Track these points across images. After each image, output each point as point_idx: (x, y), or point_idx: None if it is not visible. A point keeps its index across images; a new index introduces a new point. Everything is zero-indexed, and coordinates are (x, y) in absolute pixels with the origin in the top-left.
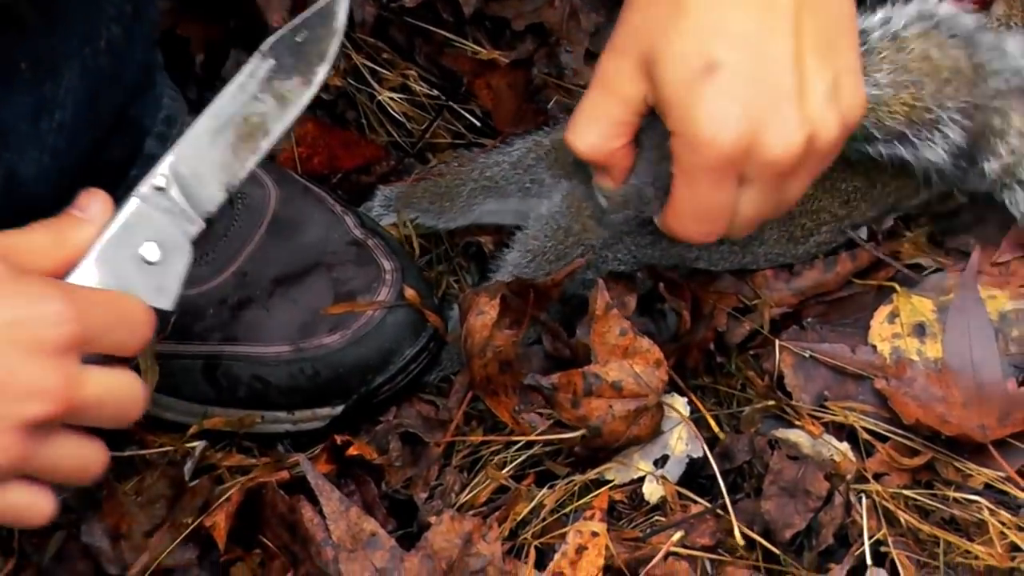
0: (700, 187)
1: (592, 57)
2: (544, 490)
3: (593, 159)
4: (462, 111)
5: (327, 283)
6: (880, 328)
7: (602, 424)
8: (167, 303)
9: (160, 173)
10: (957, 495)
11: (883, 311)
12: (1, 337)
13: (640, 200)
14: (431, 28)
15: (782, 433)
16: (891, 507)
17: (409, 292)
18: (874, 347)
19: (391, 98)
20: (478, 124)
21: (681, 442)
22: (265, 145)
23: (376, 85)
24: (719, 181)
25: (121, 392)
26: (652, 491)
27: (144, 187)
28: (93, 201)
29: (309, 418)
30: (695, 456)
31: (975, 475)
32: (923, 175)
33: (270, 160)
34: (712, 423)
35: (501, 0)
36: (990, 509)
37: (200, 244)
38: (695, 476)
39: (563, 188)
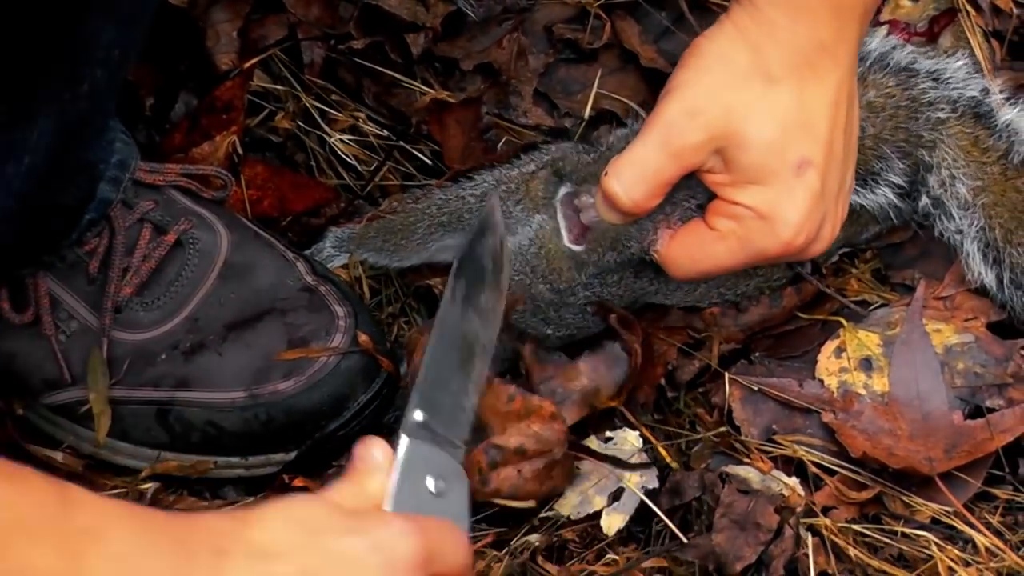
0: (737, 257)
1: (541, 96)
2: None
3: (631, 213)
4: (412, 151)
5: (280, 329)
6: (827, 362)
7: (516, 491)
8: (464, 528)
9: (415, 407)
10: (905, 529)
11: (830, 345)
12: (366, 562)
13: (622, 239)
14: (380, 69)
15: (732, 469)
16: (840, 542)
17: (363, 338)
18: (821, 381)
19: (341, 140)
20: (429, 163)
21: (635, 474)
22: (486, 359)
23: (326, 127)
24: (755, 259)
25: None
26: (610, 523)
27: (407, 425)
28: (373, 449)
29: (263, 463)
30: (650, 487)
31: (922, 509)
32: (881, 214)
33: (219, 205)
34: (663, 452)
35: (450, 40)
36: (938, 544)
37: (151, 289)
38: (647, 512)
39: (534, 223)
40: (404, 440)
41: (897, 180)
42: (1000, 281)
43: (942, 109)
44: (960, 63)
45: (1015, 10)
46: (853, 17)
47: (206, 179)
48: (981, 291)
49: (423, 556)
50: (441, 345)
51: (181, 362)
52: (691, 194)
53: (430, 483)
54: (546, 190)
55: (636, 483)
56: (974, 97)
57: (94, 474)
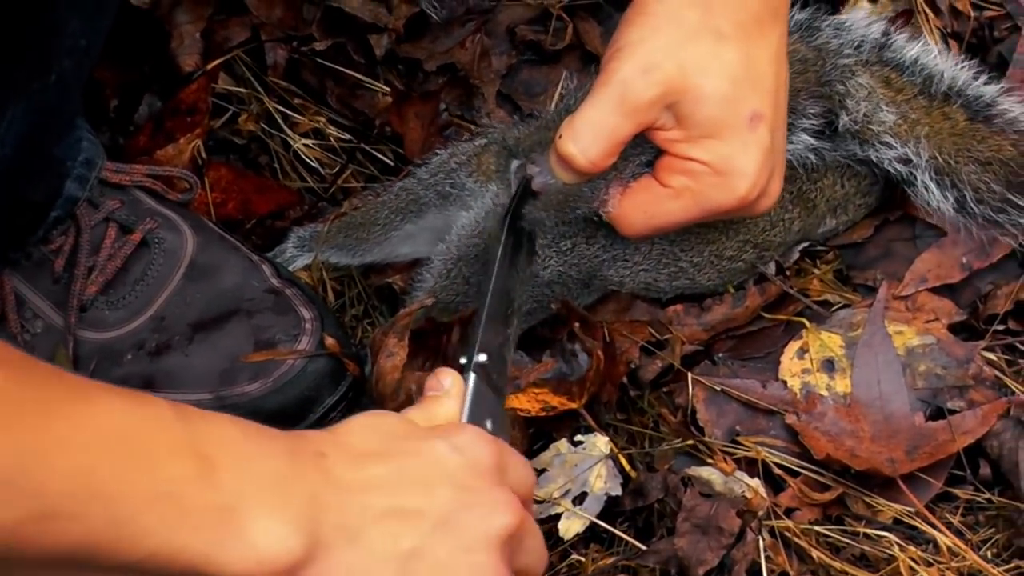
0: (691, 212)
1: (504, 98)
2: None
3: (588, 173)
4: (375, 153)
5: (247, 330)
6: (790, 364)
7: None
8: None
9: (481, 350)
10: (867, 530)
11: (792, 347)
12: (449, 460)
13: (570, 200)
14: (343, 70)
15: (694, 471)
16: (802, 543)
17: (329, 341)
18: (784, 382)
19: (304, 144)
20: (391, 165)
21: (600, 479)
22: (519, 321)
23: (289, 130)
24: (710, 214)
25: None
26: (568, 527)
27: (475, 364)
28: (444, 377)
29: None
30: (614, 494)
31: (884, 510)
32: (799, 162)
33: (184, 207)
34: (624, 462)
35: (413, 41)
36: (899, 544)
37: (116, 288)
38: (612, 513)
39: (489, 193)
40: (472, 377)
41: (811, 123)
42: (961, 203)
43: (847, 55)
44: (861, 13)
45: (973, 13)
46: None
47: (171, 181)
48: (941, 290)
49: (498, 461)
50: (496, 296)
51: (147, 362)
52: (639, 151)
53: (488, 424)
54: (497, 163)
55: (600, 488)
56: (876, 39)
57: None
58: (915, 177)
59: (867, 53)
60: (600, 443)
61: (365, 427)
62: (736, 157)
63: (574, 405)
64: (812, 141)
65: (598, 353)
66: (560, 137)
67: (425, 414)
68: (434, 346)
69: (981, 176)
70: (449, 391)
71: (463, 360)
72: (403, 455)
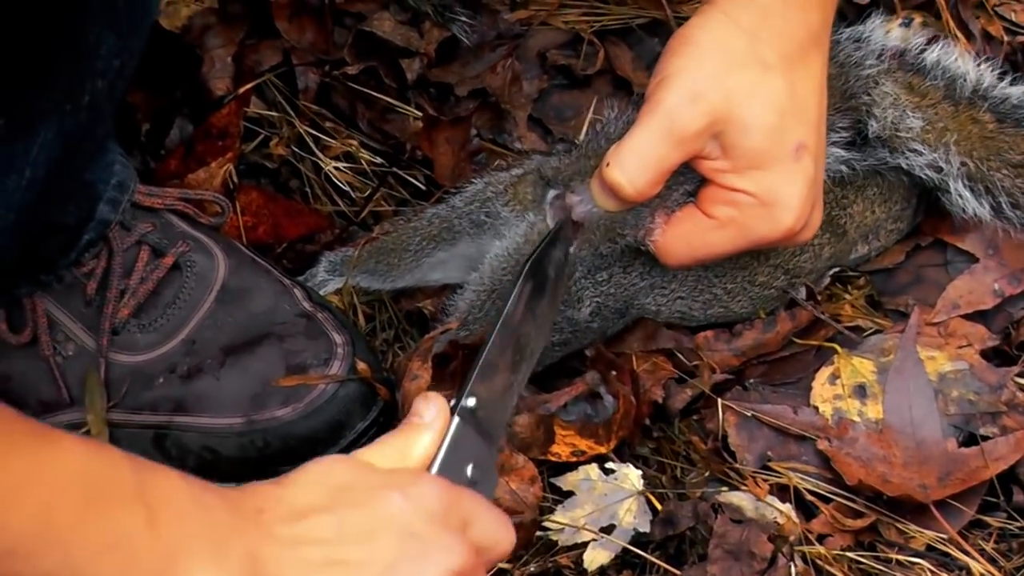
0: (736, 243)
1: (535, 122)
2: None
3: (633, 202)
4: (406, 177)
5: (279, 354)
6: (821, 389)
7: None
8: None
9: (470, 394)
10: (900, 557)
11: (824, 372)
12: (398, 510)
13: (616, 228)
14: (374, 94)
15: (724, 497)
16: (835, 570)
17: (361, 366)
18: (816, 408)
19: (335, 167)
20: (423, 188)
21: (630, 514)
22: (532, 365)
23: (320, 153)
24: (754, 244)
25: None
26: (593, 558)
27: (461, 409)
28: (430, 406)
29: None
30: (642, 530)
31: (917, 536)
32: (832, 176)
33: (216, 230)
34: (655, 501)
35: (443, 66)
36: (932, 572)
37: (148, 311)
38: (641, 540)
39: (525, 223)
40: (456, 421)
41: (840, 136)
42: (996, 209)
43: (870, 66)
44: (876, 22)
45: (1007, 37)
46: (834, 2)
47: (203, 204)
48: (974, 316)
49: (457, 515)
50: (501, 341)
51: (179, 385)
52: (682, 180)
53: (468, 470)
54: (534, 193)
55: (629, 523)
56: (896, 47)
57: None
58: (948, 184)
59: (887, 61)
60: (632, 477)
61: (312, 478)
62: (782, 189)
63: (603, 449)
64: (843, 153)
65: (628, 397)
66: (607, 165)
67: (399, 445)
68: (459, 370)
69: (1015, 181)
70: (430, 424)
71: (452, 402)
72: (347, 506)
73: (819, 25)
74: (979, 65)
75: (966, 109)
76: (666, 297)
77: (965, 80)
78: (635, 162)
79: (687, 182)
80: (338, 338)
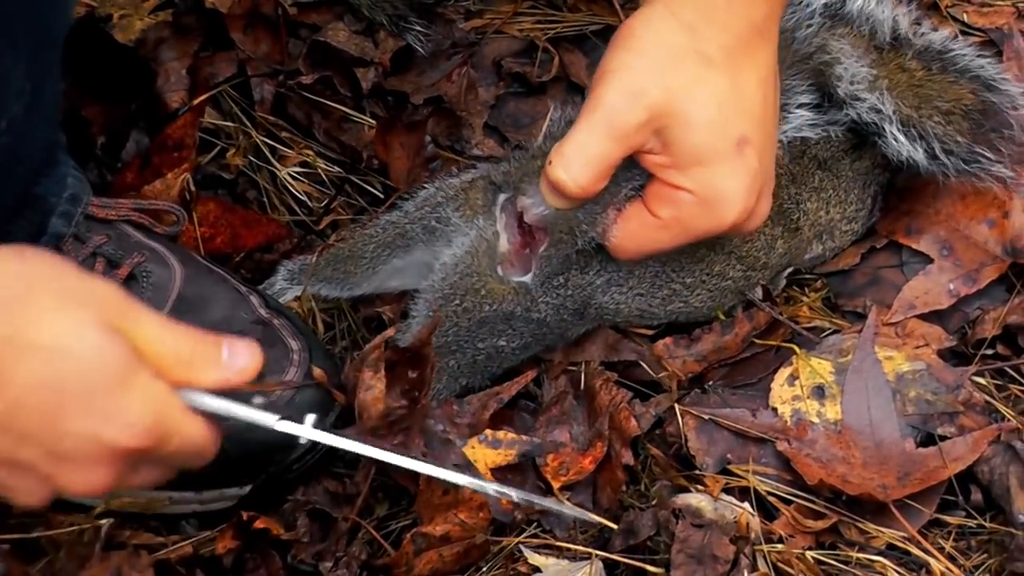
0: (680, 240)
1: (491, 129)
2: None
3: (578, 199)
4: (363, 185)
5: None
6: (780, 390)
7: (435, 571)
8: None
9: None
10: (861, 556)
11: (783, 373)
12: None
13: (575, 227)
14: (330, 104)
15: (683, 500)
16: (796, 571)
17: (317, 371)
18: (775, 410)
19: (292, 174)
20: (380, 196)
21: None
22: None
23: (276, 163)
24: (700, 238)
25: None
26: None
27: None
28: (242, 357)
29: (217, 498)
30: None
31: (877, 536)
32: (797, 133)
33: (171, 240)
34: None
35: (399, 75)
36: (895, 570)
37: None
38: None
39: (475, 228)
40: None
41: (806, 99)
42: (931, 154)
43: (808, 25)
44: None
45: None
46: None
47: (159, 214)
48: (930, 316)
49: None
50: None
51: None
52: (632, 175)
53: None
54: (484, 198)
55: None
56: (824, 2)
57: (49, 511)
58: (884, 128)
59: (819, 18)
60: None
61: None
62: (723, 184)
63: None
64: (810, 115)
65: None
66: (550, 163)
67: (188, 358)
68: (404, 373)
69: (945, 128)
70: (230, 368)
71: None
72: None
73: (764, 17)
74: (895, 11)
75: (892, 57)
76: (624, 295)
77: (884, 27)
78: (576, 159)
79: (636, 177)
80: (294, 344)
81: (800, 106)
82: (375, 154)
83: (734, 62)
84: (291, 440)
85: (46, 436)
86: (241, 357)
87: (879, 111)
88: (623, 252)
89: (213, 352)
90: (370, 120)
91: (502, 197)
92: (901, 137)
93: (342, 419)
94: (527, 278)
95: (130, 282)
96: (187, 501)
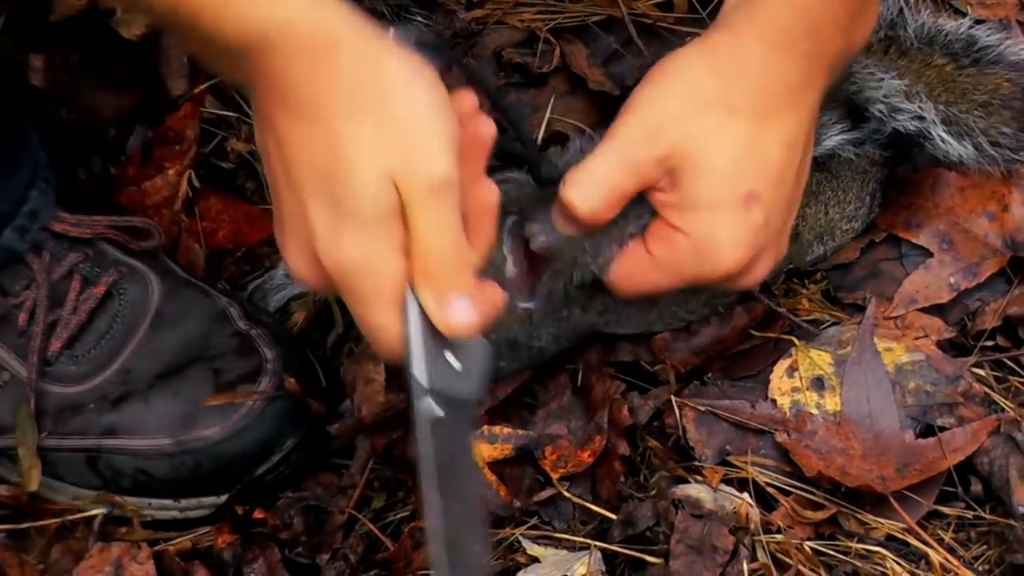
0: (674, 283)
1: None
2: None
3: (587, 224)
4: None
5: (208, 374)
6: (779, 382)
7: None
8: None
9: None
10: (859, 547)
11: (782, 365)
12: None
13: (578, 256)
14: None
15: (682, 490)
16: (794, 561)
17: (289, 381)
18: (774, 401)
19: None
20: None
21: (583, 566)
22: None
23: None
24: (693, 284)
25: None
26: None
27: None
28: (461, 315)
29: (195, 506)
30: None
31: (876, 527)
32: (838, 151)
33: (149, 255)
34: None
35: None
36: (894, 560)
37: (82, 341)
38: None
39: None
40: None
41: (839, 121)
42: (979, 148)
43: None
44: None
45: None
46: (824, 65)
47: (135, 230)
48: (930, 309)
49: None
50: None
51: (108, 409)
52: (640, 211)
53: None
54: None
55: (581, 574)
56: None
57: (41, 503)
58: (931, 133)
59: None
60: (594, 559)
61: None
62: (720, 233)
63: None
64: (846, 136)
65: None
66: (564, 184)
67: (447, 262)
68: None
69: (988, 121)
70: (453, 324)
71: None
72: None
73: (800, 84)
74: (914, 10)
75: (919, 56)
76: (625, 330)
77: (908, 29)
78: (589, 183)
79: (643, 216)
80: (269, 353)
81: (832, 127)
82: None
83: (761, 119)
84: (265, 451)
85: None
86: (460, 315)
87: (922, 118)
88: (620, 289)
89: (455, 288)
90: None
91: (510, 220)
92: (948, 138)
93: (318, 429)
94: (532, 304)
95: (106, 300)
96: (167, 508)
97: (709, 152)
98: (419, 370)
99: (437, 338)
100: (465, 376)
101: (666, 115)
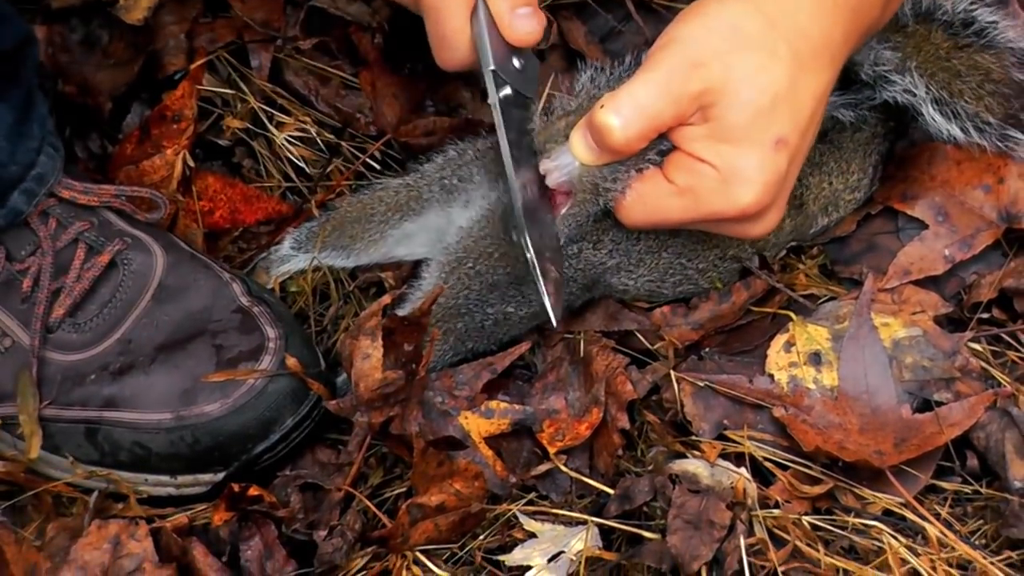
0: (690, 213)
1: None
2: None
3: (623, 152)
4: (362, 150)
5: (210, 350)
6: (777, 357)
7: (431, 540)
8: None
9: None
10: (856, 521)
11: (779, 340)
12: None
13: (599, 184)
14: (328, 69)
15: (679, 465)
16: (791, 536)
17: (291, 361)
18: (771, 376)
19: (289, 140)
20: (377, 167)
21: (580, 542)
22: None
23: (274, 130)
24: (708, 218)
25: None
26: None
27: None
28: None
29: (191, 483)
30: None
31: (874, 501)
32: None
33: (154, 227)
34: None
35: (398, 39)
36: (890, 535)
37: (84, 310)
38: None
39: (495, 191)
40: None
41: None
42: (966, 132)
43: None
44: None
45: None
46: (860, 28)
47: (141, 200)
48: (926, 282)
49: None
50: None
51: (109, 381)
52: (656, 141)
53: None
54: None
55: (578, 549)
56: None
57: (36, 478)
58: (921, 108)
59: None
60: (592, 534)
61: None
62: (747, 168)
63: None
64: (836, 99)
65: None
66: (602, 107)
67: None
68: (402, 342)
69: (976, 107)
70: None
71: None
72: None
73: (838, 39)
74: None
75: (918, 30)
76: (634, 279)
77: (907, 3)
78: (631, 109)
79: (660, 143)
80: (271, 332)
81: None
82: (366, 96)
83: (800, 65)
84: (264, 430)
85: None
86: (526, 23)
87: (912, 93)
88: (631, 216)
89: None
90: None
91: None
92: (939, 117)
93: (317, 409)
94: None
95: (110, 269)
96: (163, 484)
97: (748, 87)
98: (493, 63)
99: (503, 43)
100: (526, 77)
101: (710, 49)
